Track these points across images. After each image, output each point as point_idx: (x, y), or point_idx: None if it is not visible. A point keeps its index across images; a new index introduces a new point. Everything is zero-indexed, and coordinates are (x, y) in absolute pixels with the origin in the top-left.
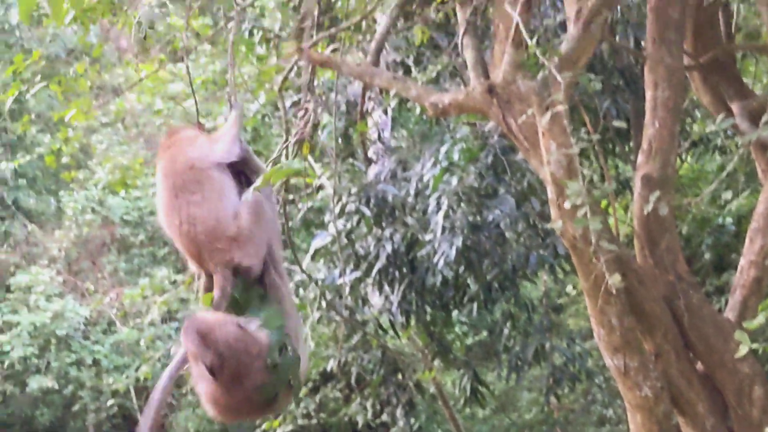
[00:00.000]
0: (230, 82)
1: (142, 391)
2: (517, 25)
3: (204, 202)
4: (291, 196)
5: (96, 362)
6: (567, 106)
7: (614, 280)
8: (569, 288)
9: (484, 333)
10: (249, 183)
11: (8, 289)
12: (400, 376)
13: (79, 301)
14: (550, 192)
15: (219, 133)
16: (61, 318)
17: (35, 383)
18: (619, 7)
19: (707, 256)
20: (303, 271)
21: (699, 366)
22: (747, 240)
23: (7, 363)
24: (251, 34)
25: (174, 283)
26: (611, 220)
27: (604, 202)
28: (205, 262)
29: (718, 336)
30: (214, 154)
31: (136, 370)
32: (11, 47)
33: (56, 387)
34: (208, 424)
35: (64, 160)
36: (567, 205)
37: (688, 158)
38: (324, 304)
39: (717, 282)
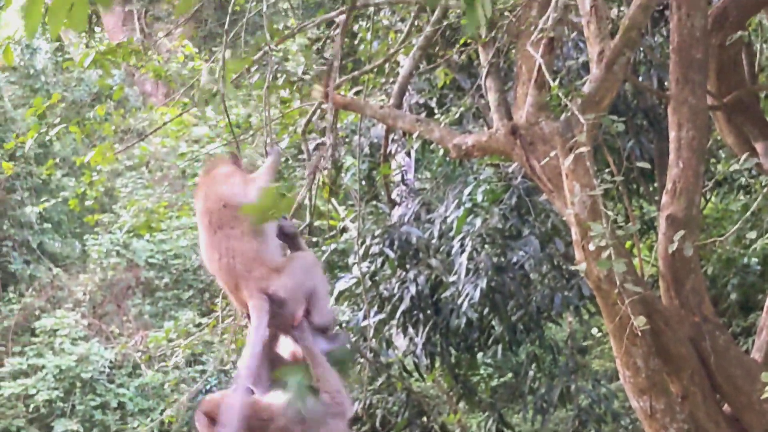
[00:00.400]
0: (265, 126)
1: None
2: (540, 66)
3: (243, 236)
4: (315, 239)
5: (121, 405)
6: (590, 148)
7: (639, 322)
8: (594, 330)
9: (509, 375)
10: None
11: (33, 333)
12: (425, 419)
13: (103, 344)
14: (574, 233)
15: (255, 174)
16: (86, 361)
17: (60, 426)
18: (641, 48)
19: (733, 296)
20: None
21: (726, 407)
22: None
23: (32, 407)
24: (275, 77)
25: (199, 326)
26: (636, 261)
27: (628, 243)
28: (241, 293)
29: (745, 377)
30: (248, 195)
31: (161, 413)
32: (36, 92)
33: (81, 430)
34: None
35: (88, 203)
36: (591, 246)
37: (713, 198)
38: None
39: (743, 323)
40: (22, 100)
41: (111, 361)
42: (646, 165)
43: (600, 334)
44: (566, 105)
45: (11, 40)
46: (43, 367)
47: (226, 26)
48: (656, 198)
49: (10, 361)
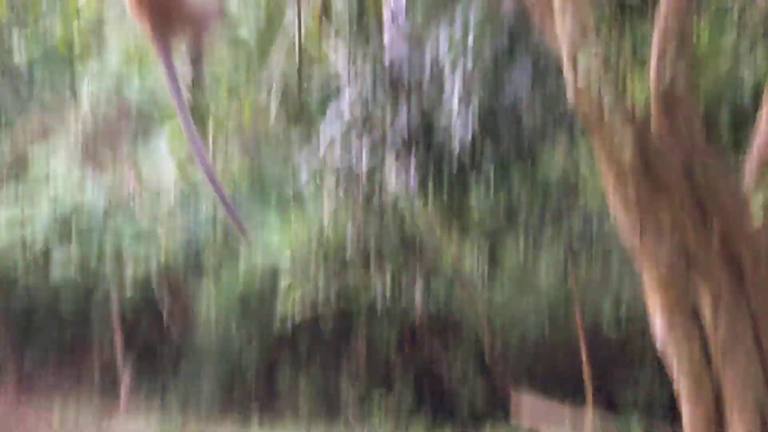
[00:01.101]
0: None
1: (164, 280)
2: None
3: None
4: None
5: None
6: None
7: (628, 156)
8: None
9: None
10: None
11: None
12: (418, 257)
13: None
14: (565, 68)
15: None
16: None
17: (58, 273)
18: None
19: (725, 118)
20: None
21: (716, 236)
22: (764, 102)
23: (29, 255)
24: None
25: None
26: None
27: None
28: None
29: (735, 206)
30: None
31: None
32: None
33: (78, 279)
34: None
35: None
36: (581, 81)
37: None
38: (342, 191)
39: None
40: None
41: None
42: None
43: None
44: None
45: None
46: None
47: None
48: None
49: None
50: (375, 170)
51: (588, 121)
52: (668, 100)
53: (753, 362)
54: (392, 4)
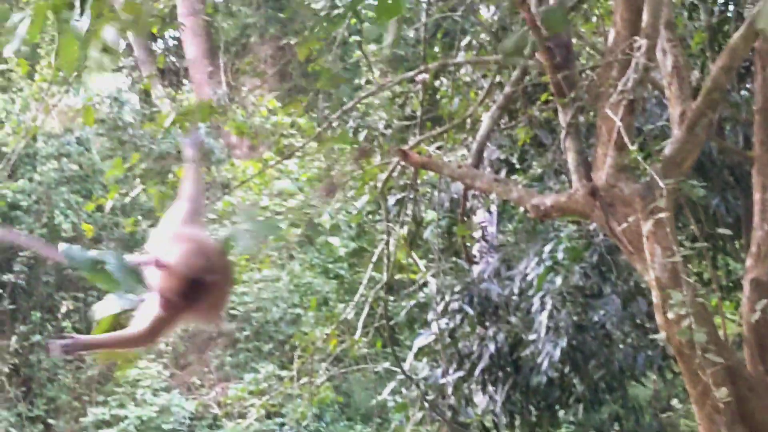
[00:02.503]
0: None
1: None
2: (620, 128)
3: None
4: (392, 298)
5: None
6: (671, 212)
7: (722, 394)
8: (680, 388)
9: None
10: None
11: (116, 383)
12: None
13: (185, 396)
14: (655, 297)
15: None
16: (168, 412)
17: None
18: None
19: None
20: (404, 372)
21: None
22: None
23: None
24: (356, 132)
25: (280, 378)
26: (719, 322)
27: (714, 302)
28: None
29: None
30: None
31: None
32: (124, 144)
33: None
34: None
35: None
36: (671, 315)
37: None
38: (426, 404)
39: None
40: (110, 151)
41: (192, 413)
42: (728, 231)
43: (686, 393)
44: (646, 167)
45: (95, 96)
46: (125, 417)
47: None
48: (743, 255)
49: (92, 411)
50: (461, 385)
51: (680, 352)
52: (761, 338)
53: None
54: (483, 218)
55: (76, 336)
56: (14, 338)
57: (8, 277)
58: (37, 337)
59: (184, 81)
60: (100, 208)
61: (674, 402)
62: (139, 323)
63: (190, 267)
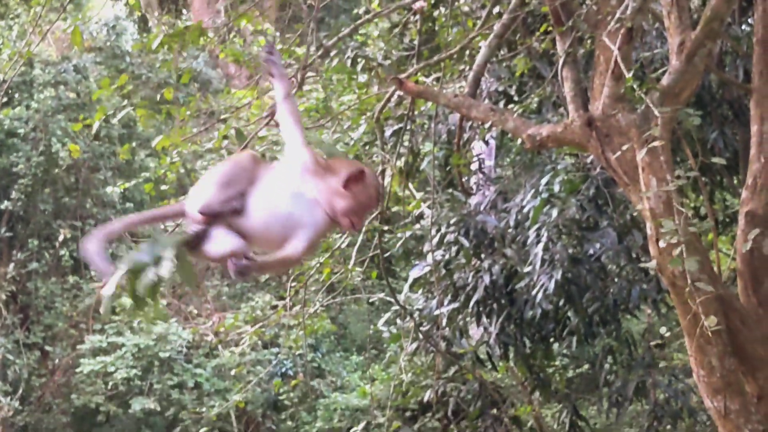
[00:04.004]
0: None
1: (242, 415)
2: (617, 57)
3: None
4: (387, 228)
5: (197, 385)
6: (666, 141)
7: (710, 322)
8: (674, 323)
9: (585, 366)
10: None
11: (114, 311)
12: (497, 410)
13: (182, 325)
14: (649, 228)
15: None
16: (165, 341)
17: (138, 404)
18: (727, 38)
19: None
20: (399, 303)
21: None
22: None
23: (110, 384)
24: (353, 62)
25: (275, 307)
26: (714, 256)
27: (710, 236)
28: None
29: None
30: None
31: (237, 393)
32: (121, 72)
33: (158, 409)
34: None
35: (164, 188)
36: (662, 243)
37: None
38: (421, 335)
39: None
40: (108, 80)
41: (189, 342)
42: (722, 161)
43: (679, 328)
44: (642, 96)
45: (79, 21)
46: (123, 345)
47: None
48: (740, 191)
49: (90, 338)
50: (456, 316)
51: (672, 283)
52: (754, 270)
53: None
54: (481, 150)
55: (252, 257)
56: (12, 265)
57: (6, 205)
58: (34, 265)
59: (183, 10)
60: (97, 137)
61: (667, 335)
62: (294, 243)
63: (377, 187)
